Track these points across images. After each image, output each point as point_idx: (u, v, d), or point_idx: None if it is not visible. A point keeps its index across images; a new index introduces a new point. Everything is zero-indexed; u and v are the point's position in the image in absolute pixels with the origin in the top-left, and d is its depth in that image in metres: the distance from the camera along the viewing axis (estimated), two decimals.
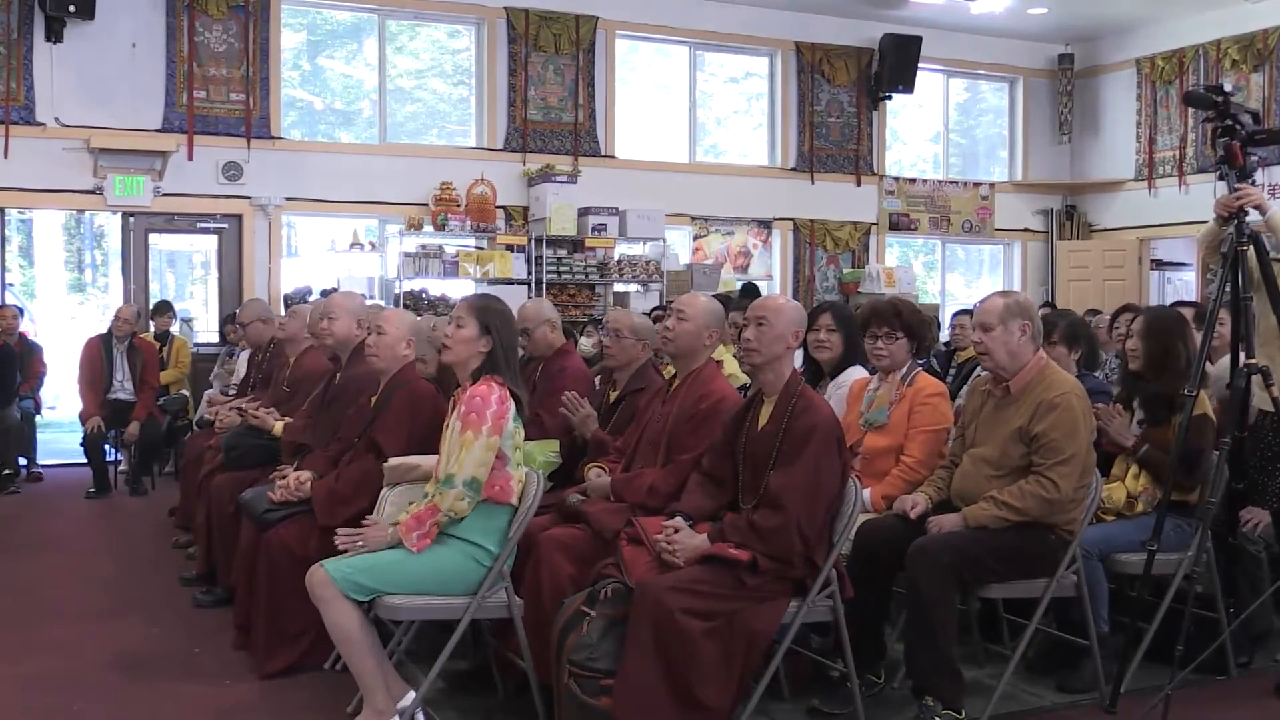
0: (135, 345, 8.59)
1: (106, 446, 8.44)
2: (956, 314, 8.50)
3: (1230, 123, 3.97)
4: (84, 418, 8.31)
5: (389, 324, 4.40)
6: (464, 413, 3.49)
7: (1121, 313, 6.15)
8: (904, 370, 4.38)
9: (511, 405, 3.56)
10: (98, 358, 8.48)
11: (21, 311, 9.61)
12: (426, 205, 10.72)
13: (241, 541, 4.64)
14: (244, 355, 7.81)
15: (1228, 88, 4.13)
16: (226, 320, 9.50)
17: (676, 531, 3.47)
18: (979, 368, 4.48)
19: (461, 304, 3.72)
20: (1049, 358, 3.96)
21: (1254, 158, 4.00)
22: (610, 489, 4.00)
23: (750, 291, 9.85)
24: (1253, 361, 3.94)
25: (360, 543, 3.53)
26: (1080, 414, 3.73)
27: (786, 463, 3.48)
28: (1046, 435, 3.66)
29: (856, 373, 4.65)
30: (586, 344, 8.22)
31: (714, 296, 4.98)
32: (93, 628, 4.90)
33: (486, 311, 3.64)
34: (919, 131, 13.69)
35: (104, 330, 8.70)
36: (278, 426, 5.25)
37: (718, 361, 4.40)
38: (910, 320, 4.41)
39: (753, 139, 12.69)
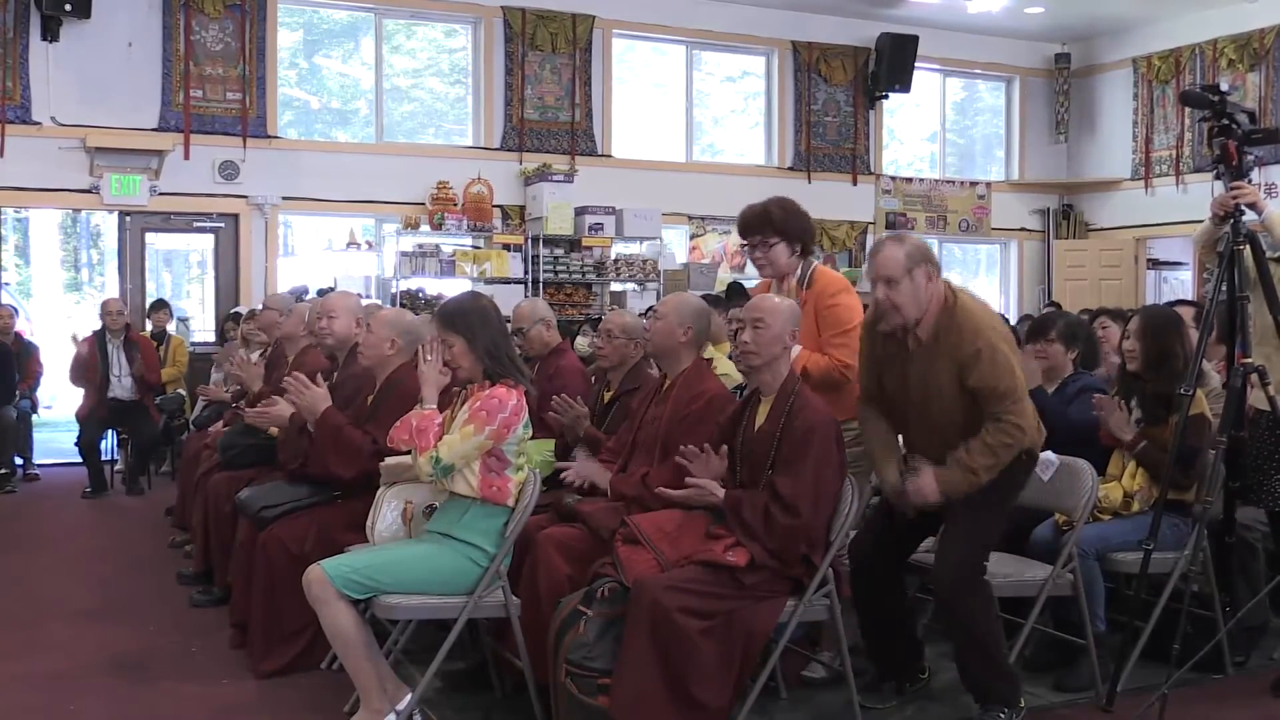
0: (132, 340, 8.58)
1: (102, 446, 8.45)
2: None
3: (1226, 122, 3.97)
4: (80, 415, 8.31)
5: (375, 322, 4.45)
6: (476, 407, 3.50)
7: (1099, 315, 6.11)
8: (799, 274, 4.15)
9: (526, 413, 3.56)
10: (93, 355, 8.47)
11: (17, 311, 9.59)
12: (423, 204, 10.72)
13: (238, 540, 4.64)
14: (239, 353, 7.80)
15: (1224, 87, 4.12)
16: (228, 318, 9.50)
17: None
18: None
19: (435, 324, 3.68)
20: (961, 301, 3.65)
21: (1250, 157, 4.01)
22: (609, 488, 4.00)
23: (736, 291, 9.81)
24: (1248, 360, 3.94)
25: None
26: (1003, 349, 3.53)
27: (790, 465, 3.48)
28: (985, 385, 3.49)
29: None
30: (583, 343, 8.22)
31: (702, 297, 4.96)
32: (90, 627, 4.90)
33: (454, 320, 3.61)
34: (916, 131, 13.70)
35: (98, 328, 8.67)
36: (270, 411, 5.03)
37: (708, 360, 4.38)
38: (782, 218, 4.11)
39: (749, 138, 12.69)
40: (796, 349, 3.89)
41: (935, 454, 3.64)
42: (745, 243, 4.22)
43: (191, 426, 8.06)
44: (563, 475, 4.10)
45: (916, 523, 3.77)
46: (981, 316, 3.62)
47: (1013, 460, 3.58)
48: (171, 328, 9.76)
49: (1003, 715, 3.53)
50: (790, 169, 12.32)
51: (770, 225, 4.12)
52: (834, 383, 4.00)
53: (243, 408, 5.67)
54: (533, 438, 4.28)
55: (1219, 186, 4.09)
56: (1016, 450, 3.54)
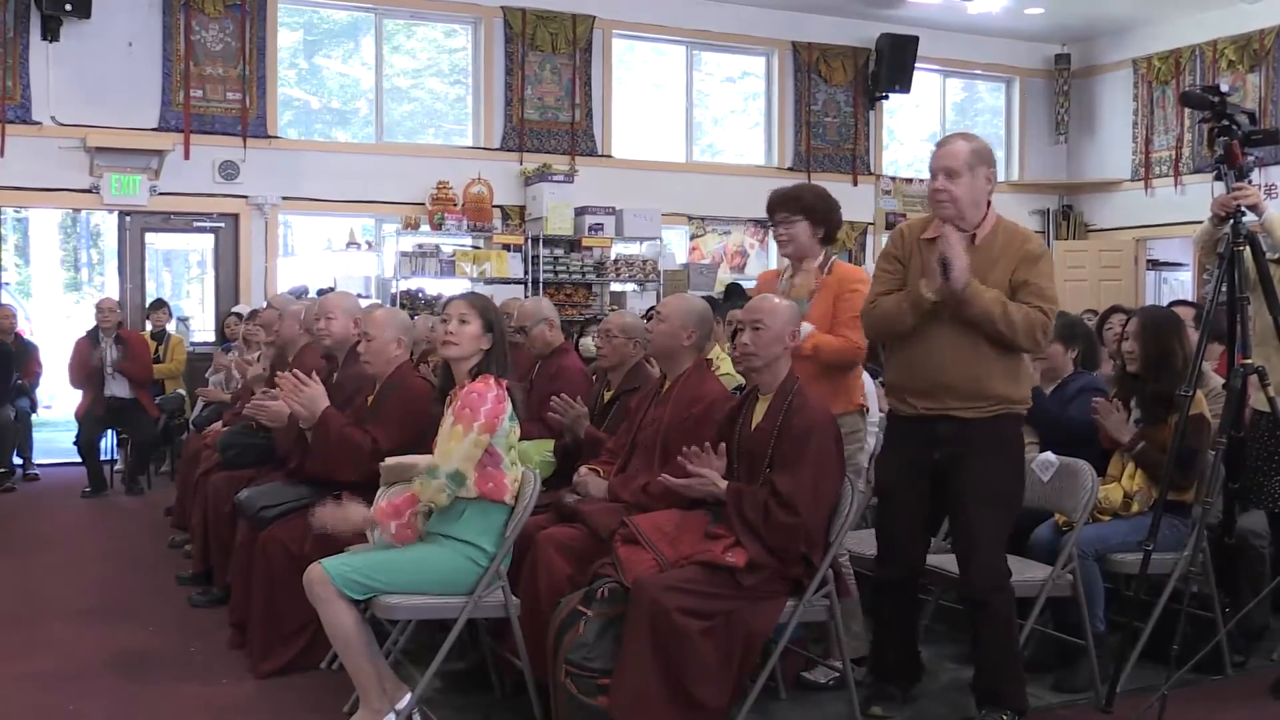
0: (122, 337, 8.57)
1: (102, 445, 8.45)
2: None
3: (1226, 123, 3.98)
4: (79, 413, 8.31)
5: (376, 327, 4.38)
6: (458, 407, 3.50)
7: (1111, 314, 6.13)
8: (820, 260, 4.28)
9: (508, 404, 3.56)
10: (87, 354, 8.46)
11: (16, 311, 9.59)
12: (423, 204, 10.71)
13: (238, 540, 4.64)
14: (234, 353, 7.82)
15: (1224, 88, 4.12)
16: (245, 319, 9.49)
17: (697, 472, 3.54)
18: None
19: (461, 301, 3.69)
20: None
21: (1250, 158, 4.01)
22: (609, 489, 4.01)
23: (734, 292, 9.81)
24: (1248, 361, 3.94)
25: (334, 521, 3.51)
26: (1050, 270, 3.65)
27: (789, 464, 3.48)
28: (1036, 283, 3.57)
29: None
30: (589, 344, 8.21)
31: (703, 298, 4.96)
32: (89, 627, 4.89)
33: (488, 309, 3.67)
34: (916, 131, 13.69)
35: (91, 326, 8.67)
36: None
37: (708, 360, 4.38)
38: (811, 202, 4.25)
39: (749, 138, 12.69)
40: (808, 328, 3.98)
41: (960, 367, 3.54)
42: (772, 220, 4.30)
43: (191, 426, 8.06)
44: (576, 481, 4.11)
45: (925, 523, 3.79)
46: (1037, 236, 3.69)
47: (1010, 429, 3.61)
48: (171, 327, 9.76)
49: (1005, 717, 3.53)
50: (790, 169, 12.31)
51: (798, 203, 4.24)
52: (845, 362, 4.12)
53: (241, 407, 5.67)
54: (532, 437, 4.29)
55: (1219, 187, 4.09)
56: (1030, 338, 3.50)
